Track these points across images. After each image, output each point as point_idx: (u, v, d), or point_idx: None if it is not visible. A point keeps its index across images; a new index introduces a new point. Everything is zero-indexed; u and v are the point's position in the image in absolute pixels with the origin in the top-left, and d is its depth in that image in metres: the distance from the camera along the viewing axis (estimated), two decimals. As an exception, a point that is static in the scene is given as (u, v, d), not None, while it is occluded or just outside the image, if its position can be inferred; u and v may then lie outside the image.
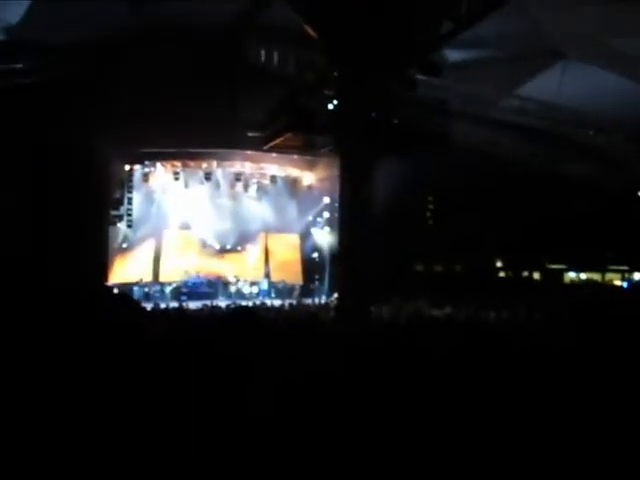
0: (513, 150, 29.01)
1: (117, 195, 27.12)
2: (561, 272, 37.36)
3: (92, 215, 24.44)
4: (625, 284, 34.92)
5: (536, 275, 37.41)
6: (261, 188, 30.12)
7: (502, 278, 37.14)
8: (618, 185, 32.56)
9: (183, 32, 21.59)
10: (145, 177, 28.51)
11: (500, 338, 8.35)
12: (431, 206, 35.38)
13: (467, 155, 25.97)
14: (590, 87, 23.16)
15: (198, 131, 24.14)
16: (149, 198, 28.68)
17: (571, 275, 38.38)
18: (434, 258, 35.05)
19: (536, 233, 32.09)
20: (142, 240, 28.16)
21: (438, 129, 21.65)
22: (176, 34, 21.71)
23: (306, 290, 29.55)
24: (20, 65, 20.99)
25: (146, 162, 27.89)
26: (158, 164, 28.30)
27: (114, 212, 26.97)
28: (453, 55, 21.57)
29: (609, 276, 37.93)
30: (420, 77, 19.44)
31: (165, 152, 27.03)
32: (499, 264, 37.91)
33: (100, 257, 25.55)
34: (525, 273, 37.49)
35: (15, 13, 18.83)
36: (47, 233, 22.20)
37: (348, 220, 18.08)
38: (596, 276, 38.20)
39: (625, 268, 36.93)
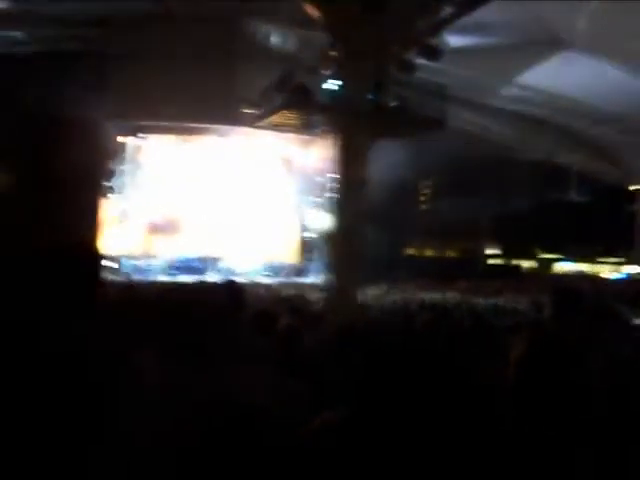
0: (511, 138, 29.04)
1: (111, 167, 27.07)
2: (552, 262, 37.53)
3: (85, 187, 24.06)
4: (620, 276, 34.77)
5: (526, 264, 37.50)
6: (257, 166, 29.88)
7: (493, 265, 37.19)
8: (611, 177, 32.64)
9: (185, 7, 21.44)
10: (140, 150, 28.36)
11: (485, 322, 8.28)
12: (426, 190, 35.42)
13: (465, 141, 26.02)
14: (589, 78, 23.06)
15: (196, 106, 24.19)
16: (144, 171, 28.58)
17: (563, 265, 38.53)
18: (427, 242, 35.14)
19: (528, 222, 32.16)
20: (135, 213, 28.11)
21: (436, 113, 21.54)
22: (177, 9, 21.56)
23: (299, 269, 29.69)
24: (19, 34, 20.83)
25: (141, 135, 27.79)
26: (154, 137, 28.19)
27: (107, 184, 26.88)
28: (454, 40, 21.43)
29: (601, 268, 38.08)
30: (420, 61, 19.35)
31: (161, 126, 26.99)
32: (491, 251, 38.03)
33: (91, 230, 25.04)
34: (516, 261, 37.58)
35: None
36: (39, 203, 21.82)
37: (342, 201, 17.94)
38: (588, 267, 38.29)
39: (619, 260, 37.08)
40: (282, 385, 3.79)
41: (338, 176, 18.21)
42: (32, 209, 21.37)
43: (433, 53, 19.23)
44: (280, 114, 23.92)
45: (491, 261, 37.75)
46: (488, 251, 37.74)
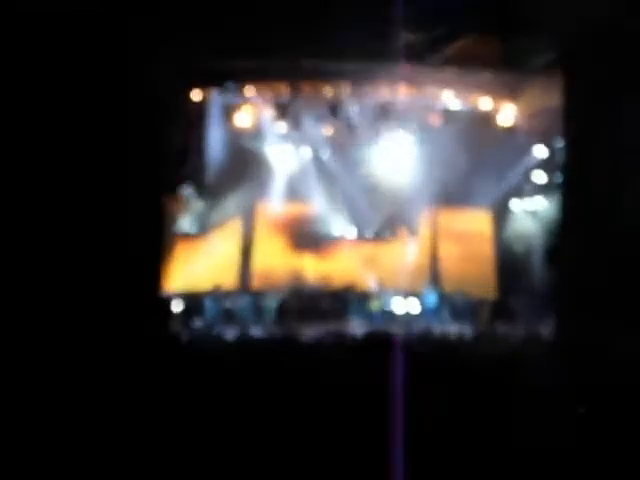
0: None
1: (180, 142, 17.45)
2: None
3: (140, 176, 15.07)
4: None
5: None
6: (425, 131, 19.99)
7: None
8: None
9: None
10: (227, 111, 19.35)
11: None
12: None
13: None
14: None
15: (316, 36, 15.64)
16: (234, 147, 19.62)
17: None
18: None
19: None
20: (222, 219, 19.80)
21: None
22: None
23: (502, 308, 19.56)
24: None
25: (227, 85, 18.50)
26: (248, 88, 18.72)
27: (176, 172, 17.76)
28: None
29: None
30: None
31: (259, 68, 17.41)
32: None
33: (152, 247, 16.02)
34: None
35: None
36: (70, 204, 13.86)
37: (577, 186, 12.91)
38: None
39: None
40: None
41: (570, 145, 13.29)
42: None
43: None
44: (467, 41, 16.66)
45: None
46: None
